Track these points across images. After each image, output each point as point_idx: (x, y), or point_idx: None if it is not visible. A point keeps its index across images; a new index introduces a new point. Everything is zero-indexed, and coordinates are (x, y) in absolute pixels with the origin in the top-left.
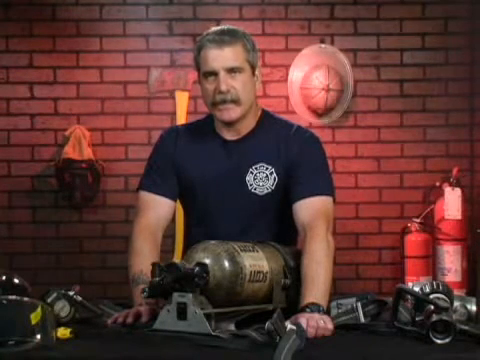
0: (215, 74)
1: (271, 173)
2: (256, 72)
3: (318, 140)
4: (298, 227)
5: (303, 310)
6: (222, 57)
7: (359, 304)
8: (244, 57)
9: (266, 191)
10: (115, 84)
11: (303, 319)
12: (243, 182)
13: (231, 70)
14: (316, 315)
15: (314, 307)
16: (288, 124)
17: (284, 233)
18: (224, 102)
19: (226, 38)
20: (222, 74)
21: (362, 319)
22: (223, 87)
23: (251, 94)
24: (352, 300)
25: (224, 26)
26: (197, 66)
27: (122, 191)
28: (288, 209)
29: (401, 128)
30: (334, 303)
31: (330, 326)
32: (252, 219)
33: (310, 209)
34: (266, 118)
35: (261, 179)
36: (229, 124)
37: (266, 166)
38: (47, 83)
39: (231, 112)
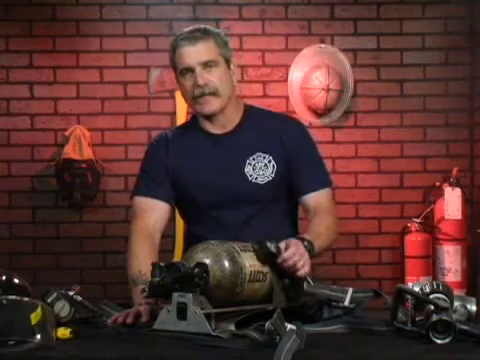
0: (191, 70)
1: (269, 161)
2: (231, 66)
3: (306, 128)
4: (309, 214)
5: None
6: (196, 53)
7: (350, 289)
8: (217, 51)
9: (267, 179)
10: (115, 84)
11: (297, 244)
12: (242, 174)
13: (206, 64)
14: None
15: (307, 243)
16: (273, 114)
17: (286, 220)
18: (203, 95)
19: (198, 34)
20: (198, 69)
21: (347, 301)
22: (200, 81)
23: (228, 86)
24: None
25: (195, 26)
26: (174, 66)
27: (122, 191)
28: (288, 196)
29: (401, 128)
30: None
31: (307, 268)
32: (254, 209)
33: (322, 200)
34: (251, 111)
35: (261, 168)
36: (211, 117)
37: (263, 155)
38: (47, 83)
39: (211, 104)
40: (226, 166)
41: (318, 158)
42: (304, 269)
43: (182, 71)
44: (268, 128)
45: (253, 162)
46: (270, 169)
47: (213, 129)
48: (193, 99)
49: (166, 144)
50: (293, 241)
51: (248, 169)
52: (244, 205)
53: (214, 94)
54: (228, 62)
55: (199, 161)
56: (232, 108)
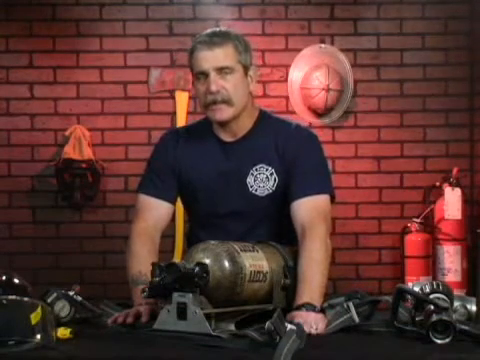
0: (206, 75)
1: (271, 174)
2: (249, 72)
3: (316, 138)
4: (296, 226)
5: (299, 308)
6: (212, 58)
7: (351, 304)
8: (235, 58)
9: (267, 192)
10: (115, 84)
11: (300, 320)
12: (244, 184)
13: (221, 70)
14: (312, 315)
15: (309, 306)
16: (286, 123)
17: (285, 233)
18: (215, 103)
19: (216, 39)
20: (212, 74)
21: (356, 319)
22: (213, 87)
23: (243, 95)
24: (342, 299)
25: (216, 28)
26: (191, 69)
27: (122, 191)
28: (288, 209)
29: (401, 128)
30: (325, 304)
31: (322, 326)
32: (253, 220)
33: (309, 209)
34: (263, 118)
35: (262, 180)
36: (223, 124)
37: (266, 167)
38: (47, 83)
39: (223, 112)
40: (229, 173)
41: (314, 167)
42: (319, 330)
43: (197, 75)
44: (275, 139)
45: (255, 173)
46: (271, 182)
47: (223, 135)
48: (205, 105)
49: (177, 141)
50: (297, 315)
51: (250, 180)
52: (243, 214)
53: (227, 102)
54: (246, 69)
55: (205, 165)
56: (245, 116)
